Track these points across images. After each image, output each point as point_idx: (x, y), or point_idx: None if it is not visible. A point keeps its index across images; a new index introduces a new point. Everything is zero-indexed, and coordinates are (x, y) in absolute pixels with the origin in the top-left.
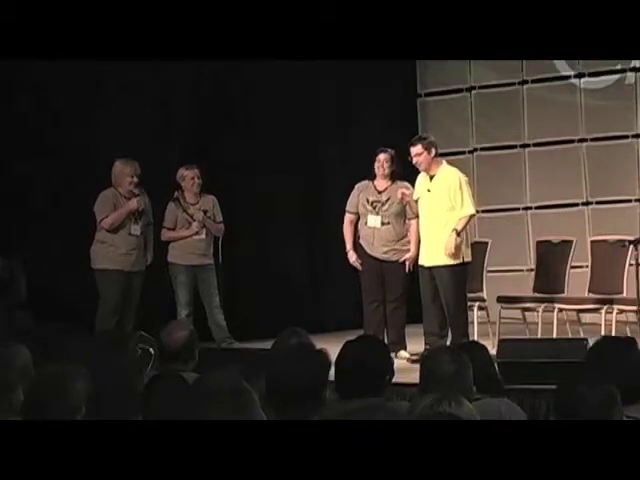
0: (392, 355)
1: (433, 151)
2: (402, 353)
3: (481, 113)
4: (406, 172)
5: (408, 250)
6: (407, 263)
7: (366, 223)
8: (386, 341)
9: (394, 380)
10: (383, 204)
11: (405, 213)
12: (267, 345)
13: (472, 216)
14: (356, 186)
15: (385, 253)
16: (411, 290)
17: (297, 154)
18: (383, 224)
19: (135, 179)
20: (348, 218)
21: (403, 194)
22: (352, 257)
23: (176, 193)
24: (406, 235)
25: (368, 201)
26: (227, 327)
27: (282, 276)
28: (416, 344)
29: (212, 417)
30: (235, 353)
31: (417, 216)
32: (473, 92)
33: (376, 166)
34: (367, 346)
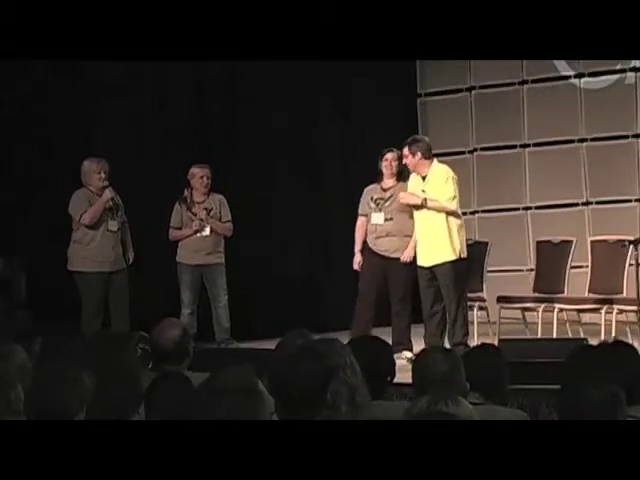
0: (394, 355)
1: (418, 154)
2: (405, 353)
3: (481, 113)
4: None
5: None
6: (404, 256)
7: (371, 221)
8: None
9: (395, 380)
10: (386, 201)
11: (411, 209)
12: (266, 345)
13: (453, 212)
14: (365, 189)
15: (388, 249)
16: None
17: (297, 154)
18: (386, 220)
19: (104, 175)
20: (359, 221)
21: (402, 198)
22: (356, 259)
23: (185, 192)
24: (411, 232)
25: (372, 199)
26: (230, 328)
27: (282, 276)
28: (417, 344)
29: (219, 416)
30: (235, 353)
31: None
32: (473, 92)
33: (384, 165)
34: (369, 346)
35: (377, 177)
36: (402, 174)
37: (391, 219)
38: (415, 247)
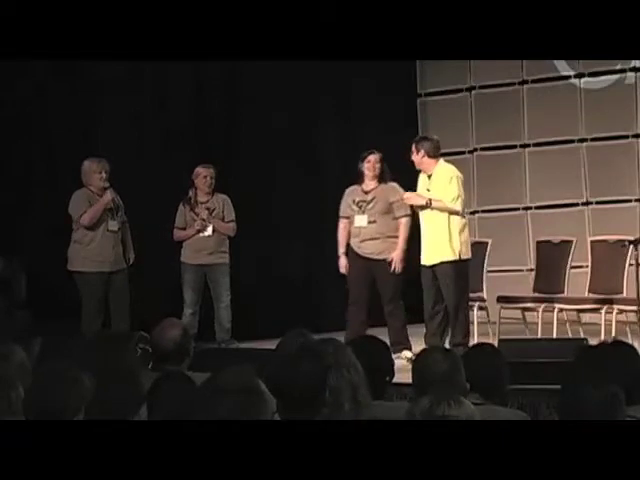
0: (394, 355)
1: (422, 152)
2: (405, 353)
3: (481, 113)
4: (394, 172)
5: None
6: (394, 261)
7: (354, 224)
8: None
9: (394, 380)
10: (368, 203)
11: (393, 211)
12: (266, 345)
13: (456, 212)
14: (345, 191)
15: (373, 252)
16: (412, 290)
17: (297, 154)
18: (369, 222)
19: (104, 175)
20: (341, 223)
21: (407, 199)
22: (342, 263)
23: (190, 192)
24: (396, 234)
25: (354, 202)
26: (231, 328)
27: (282, 276)
28: (416, 344)
29: (221, 416)
30: (235, 353)
31: (409, 215)
32: (473, 92)
33: (366, 167)
34: (367, 346)
35: (358, 179)
36: (383, 176)
37: (374, 221)
38: (403, 250)
